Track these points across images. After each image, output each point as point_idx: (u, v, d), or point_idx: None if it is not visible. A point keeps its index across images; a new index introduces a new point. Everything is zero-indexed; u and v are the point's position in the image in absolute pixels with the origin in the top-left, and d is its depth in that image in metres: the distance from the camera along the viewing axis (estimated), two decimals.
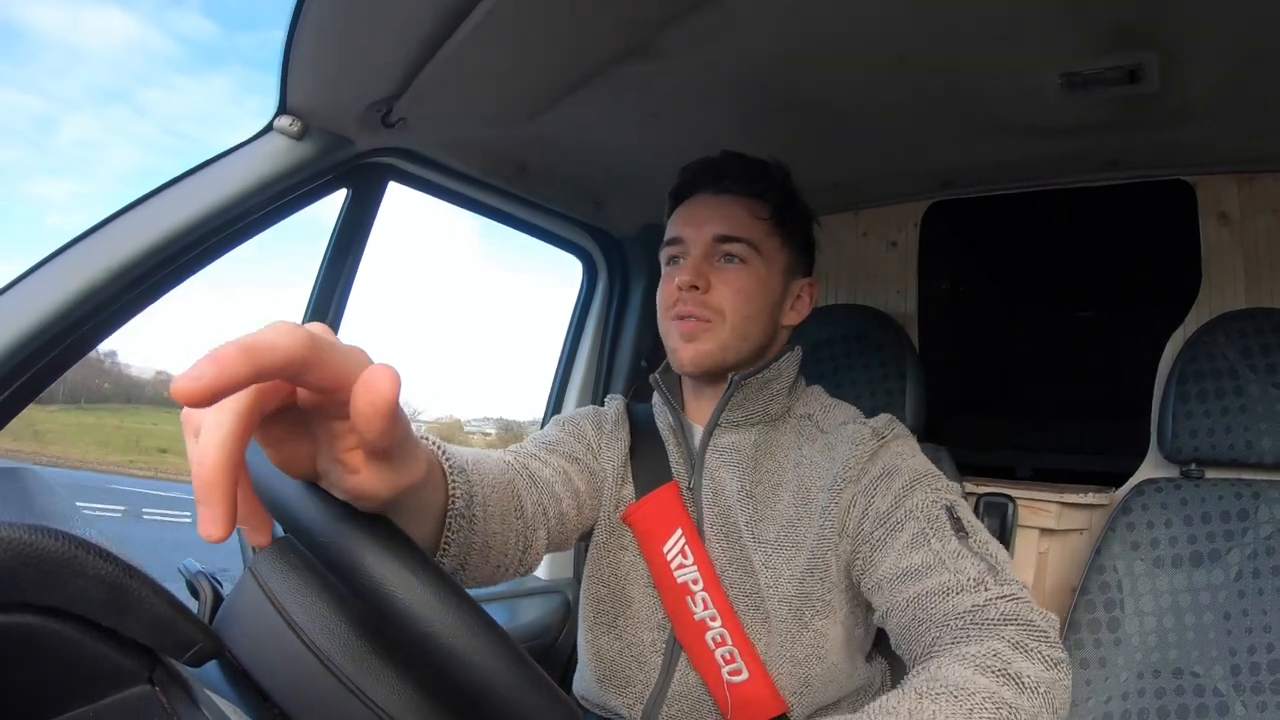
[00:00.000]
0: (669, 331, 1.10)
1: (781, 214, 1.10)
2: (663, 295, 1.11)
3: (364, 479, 0.49)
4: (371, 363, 0.44)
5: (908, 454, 1.03)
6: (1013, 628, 0.80)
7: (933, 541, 0.91)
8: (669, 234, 1.12)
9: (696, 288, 1.06)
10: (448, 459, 0.77)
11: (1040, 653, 0.77)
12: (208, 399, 0.37)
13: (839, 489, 1.01)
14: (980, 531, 0.93)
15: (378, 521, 0.51)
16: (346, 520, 0.50)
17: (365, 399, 0.42)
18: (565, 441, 1.12)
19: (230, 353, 0.37)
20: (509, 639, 0.49)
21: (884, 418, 1.09)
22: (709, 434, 1.12)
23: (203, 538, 0.40)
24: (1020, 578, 1.41)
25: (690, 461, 1.12)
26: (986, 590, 0.84)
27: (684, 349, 1.07)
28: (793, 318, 1.14)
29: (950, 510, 0.94)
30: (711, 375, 1.11)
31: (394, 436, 0.46)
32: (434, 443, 0.78)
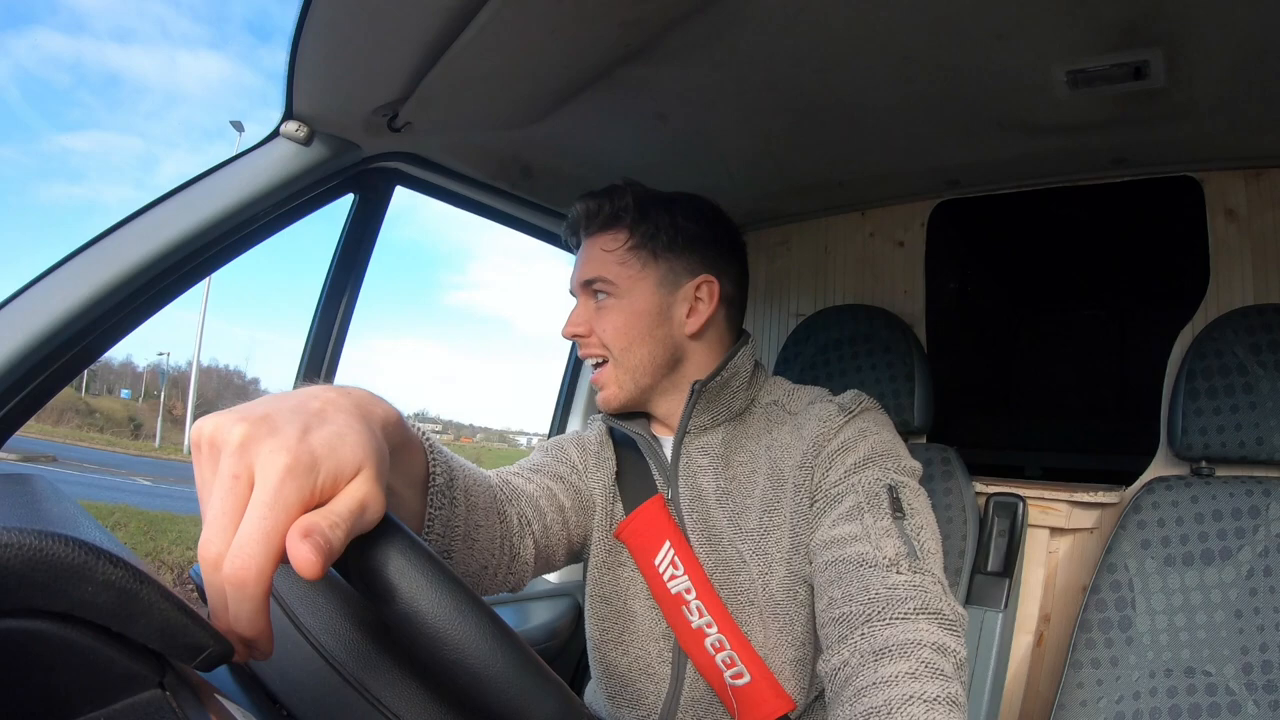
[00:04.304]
0: None
1: (638, 233, 1.12)
2: None
3: None
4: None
5: (871, 430, 1.06)
6: (926, 618, 0.84)
7: (866, 516, 0.94)
8: None
9: (580, 334, 1.13)
10: (427, 440, 0.80)
11: (955, 653, 0.82)
12: None
13: (810, 466, 1.04)
14: (919, 516, 0.96)
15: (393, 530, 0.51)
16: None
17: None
18: (549, 464, 1.15)
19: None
20: (510, 631, 0.49)
21: (851, 394, 1.11)
22: (679, 442, 1.14)
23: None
24: (1030, 577, 1.44)
25: (666, 473, 1.14)
26: (899, 573, 0.88)
27: (599, 397, 1.14)
28: (693, 323, 1.13)
29: (893, 490, 0.97)
30: (647, 401, 1.16)
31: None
32: (415, 426, 0.81)
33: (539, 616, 1.73)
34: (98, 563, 0.43)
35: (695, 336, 1.14)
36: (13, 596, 0.41)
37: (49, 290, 1.00)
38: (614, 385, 1.12)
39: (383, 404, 0.57)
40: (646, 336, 1.11)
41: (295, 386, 1.38)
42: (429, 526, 0.79)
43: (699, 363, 1.14)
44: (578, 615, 1.79)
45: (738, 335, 1.19)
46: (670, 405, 1.16)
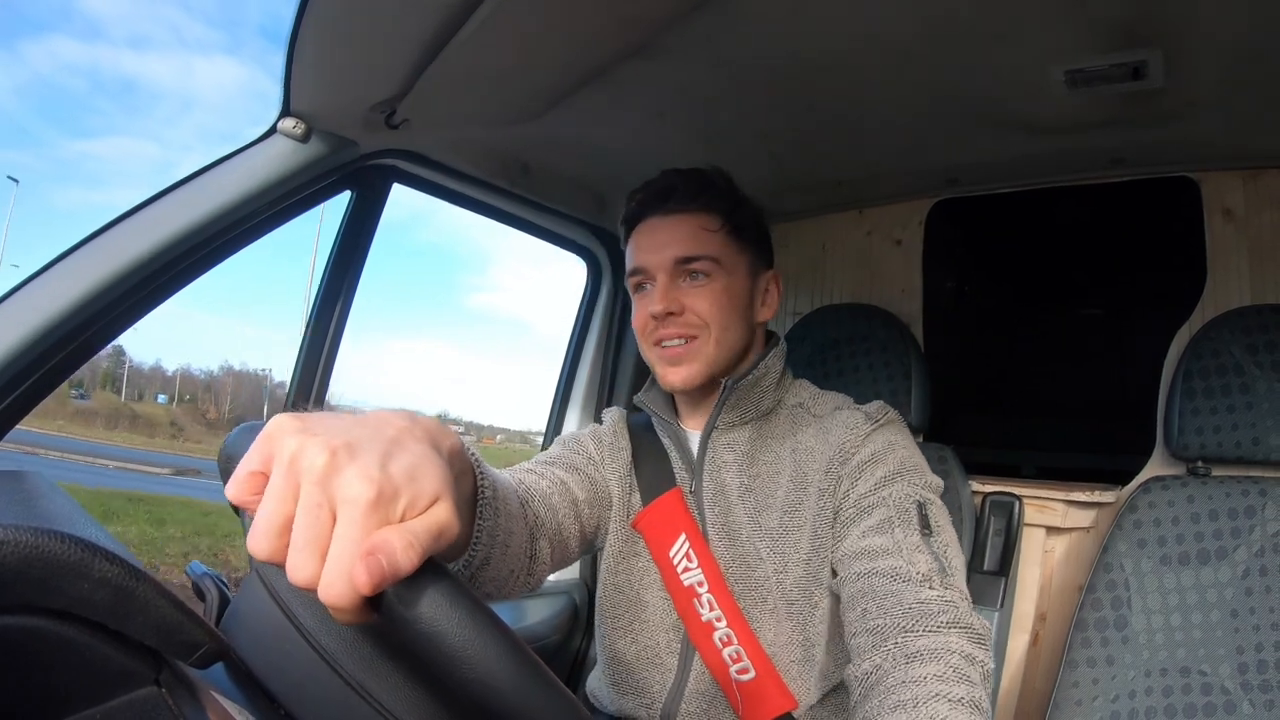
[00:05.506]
0: (653, 358, 1.14)
1: (732, 220, 1.12)
2: (638, 323, 1.14)
3: None
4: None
5: (899, 443, 1.07)
6: (957, 632, 0.86)
7: (896, 530, 0.96)
8: (631, 264, 1.15)
9: (672, 313, 1.09)
10: (473, 455, 0.79)
11: (983, 664, 0.84)
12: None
13: (836, 475, 1.05)
14: (944, 533, 0.98)
15: None
16: None
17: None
18: (565, 456, 1.15)
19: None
20: (520, 642, 0.49)
21: (877, 404, 1.12)
22: (706, 437, 1.14)
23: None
24: (1026, 576, 1.45)
25: (691, 467, 1.15)
26: (931, 588, 0.90)
27: (672, 373, 1.11)
28: (765, 313, 1.17)
29: (921, 507, 0.98)
30: (704, 387, 1.13)
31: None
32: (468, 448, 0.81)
33: (537, 613, 1.73)
34: (94, 559, 0.43)
35: (760, 326, 1.17)
36: (9, 593, 0.41)
37: (47, 285, 1.00)
38: (701, 361, 1.10)
39: (449, 433, 0.58)
40: (740, 319, 1.12)
41: (293, 384, 1.38)
42: (476, 537, 0.79)
43: (755, 353, 1.16)
44: (574, 614, 1.79)
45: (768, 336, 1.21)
46: (705, 395, 1.17)
